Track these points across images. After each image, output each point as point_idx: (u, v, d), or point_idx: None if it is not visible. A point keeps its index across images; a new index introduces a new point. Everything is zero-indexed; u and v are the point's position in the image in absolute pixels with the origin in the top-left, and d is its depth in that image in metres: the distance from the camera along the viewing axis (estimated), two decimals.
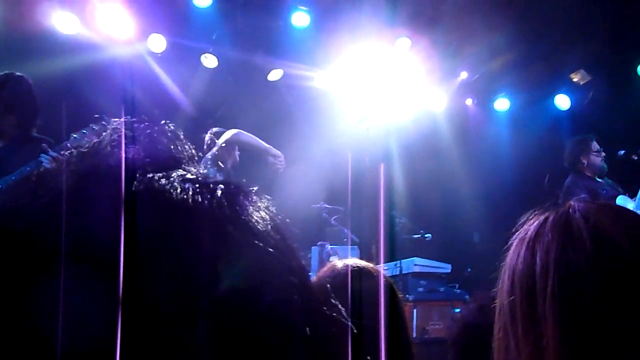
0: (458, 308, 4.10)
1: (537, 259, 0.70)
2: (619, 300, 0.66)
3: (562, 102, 5.91)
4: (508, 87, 5.99)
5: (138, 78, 4.71)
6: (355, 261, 1.18)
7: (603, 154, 4.26)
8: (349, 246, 4.08)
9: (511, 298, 0.72)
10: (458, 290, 4.39)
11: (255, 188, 0.45)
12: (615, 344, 0.65)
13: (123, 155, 0.41)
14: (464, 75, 5.77)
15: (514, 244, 0.75)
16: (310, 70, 5.35)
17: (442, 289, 4.33)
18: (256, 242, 0.40)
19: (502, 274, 0.76)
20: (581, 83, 5.70)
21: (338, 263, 1.17)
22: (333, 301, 0.45)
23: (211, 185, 0.42)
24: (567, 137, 5.57)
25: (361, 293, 1.03)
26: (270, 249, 0.41)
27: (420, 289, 4.24)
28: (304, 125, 5.26)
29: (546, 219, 0.73)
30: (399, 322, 1.19)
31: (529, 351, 0.68)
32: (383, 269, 1.26)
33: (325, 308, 0.44)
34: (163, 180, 0.40)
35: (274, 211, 0.45)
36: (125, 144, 0.42)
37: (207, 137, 3.76)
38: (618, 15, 5.03)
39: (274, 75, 5.35)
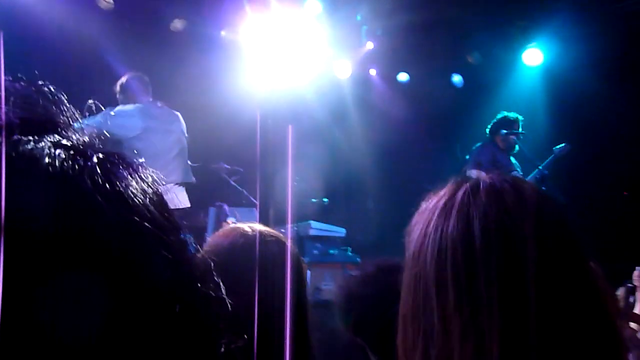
0: (350, 270, 4.29)
1: (475, 227, 0.67)
2: (560, 269, 0.67)
3: (458, 80, 6.27)
4: (409, 61, 6.21)
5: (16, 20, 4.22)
6: (260, 227, 1.16)
7: (521, 137, 4.73)
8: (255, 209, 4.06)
9: (438, 267, 0.68)
10: (350, 254, 4.58)
11: (142, 160, 0.42)
12: (559, 310, 0.66)
13: None
14: (369, 45, 5.87)
15: (435, 212, 0.72)
16: (217, 26, 5.14)
17: (335, 252, 4.49)
18: (129, 215, 0.38)
19: (415, 244, 0.73)
20: (475, 64, 6.07)
21: (244, 227, 1.14)
22: (215, 278, 0.44)
23: (87, 153, 0.39)
24: (460, 114, 5.94)
25: (270, 261, 1.03)
26: (145, 223, 0.38)
27: (315, 252, 4.36)
28: (206, 81, 5.07)
29: (476, 186, 0.71)
30: (303, 291, 1.21)
31: (460, 322, 0.65)
32: (281, 232, 1.26)
33: (200, 285, 0.42)
34: (29, 145, 0.36)
35: (160, 185, 0.43)
36: None
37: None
38: (510, 4, 5.40)
39: (177, 24, 5.08)
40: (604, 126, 5.47)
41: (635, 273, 1.32)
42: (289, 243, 1.14)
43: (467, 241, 0.68)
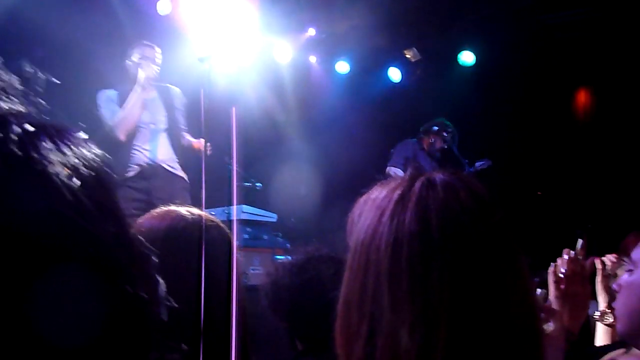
0: (279, 255, 4.30)
1: (433, 221, 0.69)
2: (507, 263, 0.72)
3: (395, 75, 6.39)
4: (349, 51, 6.26)
5: None
6: (197, 210, 1.13)
7: (445, 146, 4.97)
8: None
9: (393, 256, 0.69)
10: (281, 239, 4.59)
11: (79, 131, 0.39)
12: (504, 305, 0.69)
13: None
14: (311, 32, 5.86)
15: (390, 202, 0.72)
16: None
17: (266, 237, 4.48)
18: (43, 198, 0.34)
19: (366, 231, 0.73)
20: (412, 60, 6.21)
21: (182, 210, 1.10)
22: (153, 276, 0.40)
23: (8, 121, 0.35)
24: (395, 108, 6.08)
25: (212, 248, 1.01)
26: (62, 208, 0.34)
27: (246, 236, 4.33)
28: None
29: (433, 181, 0.73)
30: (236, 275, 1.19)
31: (412, 311, 0.66)
32: (211, 214, 1.23)
33: (131, 287, 0.37)
34: None
35: (96, 156, 0.39)
36: None
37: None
38: (449, 4, 5.58)
39: None
40: (525, 126, 5.82)
41: (550, 269, 1.42)
42: (223, 228, 1.13)
43: (425, 234, 0.69)
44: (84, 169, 0.37)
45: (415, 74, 6.33)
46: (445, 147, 4.99)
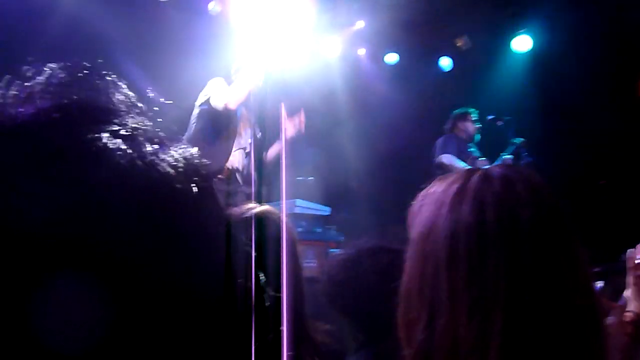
0: (332, 248, 4.34)
1: (489, 213, 0.71)
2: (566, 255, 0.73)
3: (446, 64, 6.28)
4: (399, 42, 6.20)
5: None
6: (264, 206, 1.19)
7: (478, 125, 5.08)
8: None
9: (451, 246, 0.72)
10: (334, 232, 4.64)
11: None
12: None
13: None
14: (360, 24, 5.84)
15: (449, 196, 0.75)
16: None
17: (319, 230, 4.54)
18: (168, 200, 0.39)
19: (426, 223, 0.76)
20: (463, 48, 6.08)
21: (249, 206, 1.17)
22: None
23: (136, 136, 0.40)
24: (448, 97, 5.98)
25: (271, 238, 1.06)
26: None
27: (300, 229, 4.40)
28: (192, 55, 5.00)
29: (490, 174, 0.75)
30: (298, 264, 1.24)
31: (469, 299, 0.69)
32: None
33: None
34: (90, 135, 0.37)
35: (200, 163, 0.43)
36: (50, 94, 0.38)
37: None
38: None
39: None
40: (586, 115, 5.57)
41: (628, 254, 1.36)
42: (283, 221, 1.18)
43: (481, 226, 0.72)
44: (192, 175, 0.42)
45: (468, 62, 6.19)
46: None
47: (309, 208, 4.55)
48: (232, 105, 3.55)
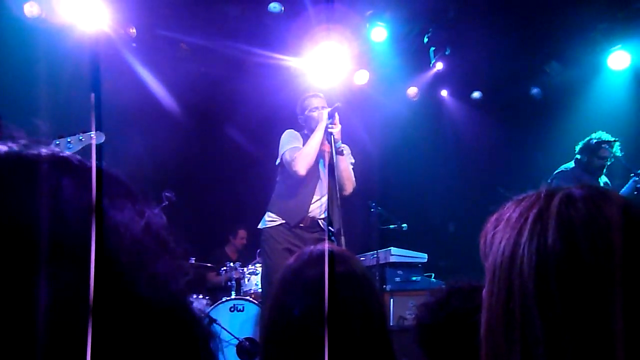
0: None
1: (580, 238, 0.63)
2: None
3: (536, 92, 5.99)
4: (483, 78, 6.03)
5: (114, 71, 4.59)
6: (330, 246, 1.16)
7: (606, 158, 4.42)
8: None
9: (539, 278, 0.64)
10: (434, 280, 4.42)
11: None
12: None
13: None
14: (439, 66, 5.78)
15: (528, 221, 0.67)
16: (285, 57, 5.28)
17: (418, 279, 4.35)
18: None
19: (504, 252, 0.68)
20: (554, 75, 5.78)
21: (313, 248, 1.15)
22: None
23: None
24: (542, 126, 5.66)
25: (336, 276, 1.01)
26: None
27: (397, 279, 4.26)
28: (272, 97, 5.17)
29: (572, 196, 0.67)
30: (373, 308, 1.18)
31: (574, 339, 0.61)
32: (360, 260, 1.24)
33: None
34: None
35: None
36: None
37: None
38: (588, 7, 5.11)
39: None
40: None
41: None
42: (354, 261, 1.12)
43: (572, 254, 0.63)
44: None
45: (559, 87, 5.86)
46: (607, 161, 4.43)
47: (404, 256, 4.40)
48: (302, 172, 3.57)
